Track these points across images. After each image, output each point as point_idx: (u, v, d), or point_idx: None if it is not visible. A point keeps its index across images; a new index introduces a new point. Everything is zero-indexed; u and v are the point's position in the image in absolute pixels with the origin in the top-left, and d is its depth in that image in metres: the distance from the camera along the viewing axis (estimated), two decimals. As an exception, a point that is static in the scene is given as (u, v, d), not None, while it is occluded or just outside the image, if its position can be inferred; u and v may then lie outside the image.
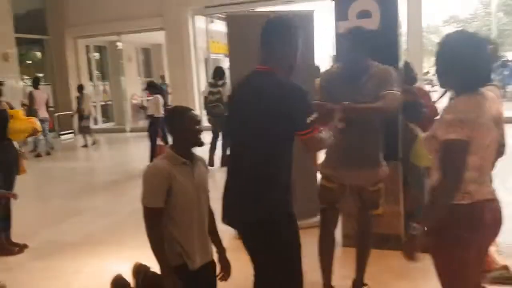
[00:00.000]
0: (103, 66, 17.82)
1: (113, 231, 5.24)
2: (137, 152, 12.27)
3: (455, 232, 2.01)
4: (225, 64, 22.15)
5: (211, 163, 8.10)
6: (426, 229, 2.03)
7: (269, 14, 4.60)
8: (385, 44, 3.81)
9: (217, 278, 2.70)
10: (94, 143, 12.83)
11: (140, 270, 3.10)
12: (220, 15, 16.69)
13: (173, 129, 2.60)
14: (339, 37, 3.79)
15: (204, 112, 9.00)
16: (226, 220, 2.48)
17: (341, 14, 3.89)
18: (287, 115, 2.21)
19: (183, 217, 2.51)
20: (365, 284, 3.32)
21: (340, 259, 3.80)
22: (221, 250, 2.72)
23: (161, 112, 8.96)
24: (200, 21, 14.53)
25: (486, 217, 2.04)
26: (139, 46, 18.31)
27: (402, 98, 3.97)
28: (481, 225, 2.04)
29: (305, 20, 4.49)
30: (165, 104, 9.21)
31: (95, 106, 16.75)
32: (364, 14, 3.80)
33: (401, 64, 4.11)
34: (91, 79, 16.84)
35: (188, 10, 13.98)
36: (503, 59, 19.35)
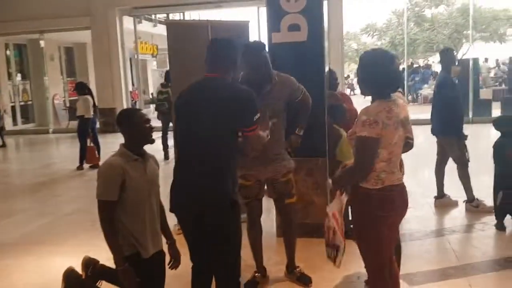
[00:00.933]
0: (23, 65, 17.03)
1: (49, 230, 5.24)
2: (63, 153, 11.98)
3: (371, 212, 2.48)
4: (152, 64, 21.90)
5: (166, 156, 8.99)
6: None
7: (207, 24, 4.95)
8: (312, 54, 4.29)
9: (168, 266, 2.95)
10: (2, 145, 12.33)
11: (89, 263, 3.30)
12: (148, 16, 16.65)
13: (125, 128, 2.82)
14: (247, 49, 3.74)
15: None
16: (179, 208, 2.74)
17: (274, 26, 4.29)
18: (238, 113, 2.60)
19: (136, 210, 2.75)
20: (297, 267, 3.71)
21: (274, 248, 4.20)
22: (172, 241, 2.98)
23: (90, 113, 8.88)
24: (128, 22, 14.42)
25: (395, 198, 2.51)
26: (61, 45, 17.69)
27: (328, 102, 4.49)
28: (391, 205, 2.50)
29: (241, 30, 4.85)
30: (94, 105, 9.13)
31: (13, 106, 16.02)
32: (294, 27, 4.23)
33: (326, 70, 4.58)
34: (10, 78, 16.05)
35: (116, 10, 13.85)
36: (414, 66, 21.04)
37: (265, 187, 3.60)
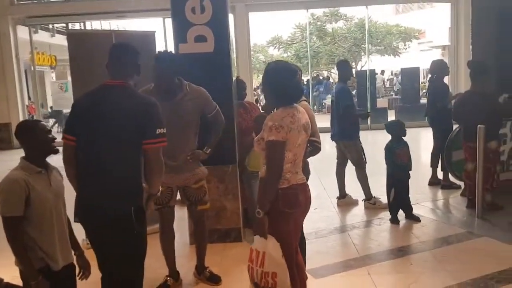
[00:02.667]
0: None
1: None
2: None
3: (279, 209, 2.67)
4: (50, 76, 20.72)
5: None
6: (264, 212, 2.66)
7: (110, 33, 4.91)
8: (220, 65, 4.44)
9: (78, 277, 2.90)
10: None
11: (-7, 283, 3.13)
12: (45, 26, 15.86)
13: (25, 140, 2.72)
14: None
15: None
16: (84, 219, 2.69)
17: (180, 37, 4.39)
18: (140, 123, 2.51)
19: (43, 223, 2.67)
20: (206, 267, 3.81)
21: (188, 255, 4.26)
22: (80, 252, 2.91)
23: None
24: (23, 31, 13.63)
25: (299, 196, 2.74)
26: None
27: (238, 112, 4.67)
28: (296, 203, 2.72)
29: (146, 40, 4.88)
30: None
31: None
32: (201, 39, 4.36)
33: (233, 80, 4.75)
34: None
35: (9, 19, 13.04)
36: (319, 78, 22.12)
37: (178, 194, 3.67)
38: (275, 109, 2.76)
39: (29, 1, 13.90)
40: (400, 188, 5.00)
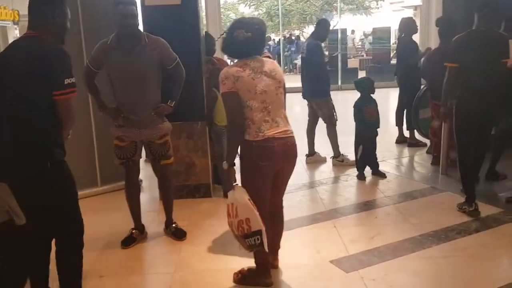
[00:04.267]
0: None
1: None
2: None
3: (252, 161, 2.69)
4: (14, 32, 19.90)
5: None
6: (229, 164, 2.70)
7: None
8: (188, 18, 4.34)
9: None
10: None
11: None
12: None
13: None
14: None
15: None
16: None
17: (147, -12, 4.24)
18: (45, 75, 2.29)
19: None
20: (174, 222, 3.83)
21: (158, 209, 4.27)
22: None
23: None
24: (-17, -16, 12.92)
25: (275, 149, 2.68)
26: None
27: (207, 67, 4.60)
28: (271, 156, 2.68)
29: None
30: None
31: None
32: (168, -10, 4.22)
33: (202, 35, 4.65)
34: None
35: (-32, -30, 12.32)
36: (291, 38, 21.93)
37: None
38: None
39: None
40: (367, 145, 5.09)
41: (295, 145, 2.84)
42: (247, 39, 2.69)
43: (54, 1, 2.44)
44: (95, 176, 4.88)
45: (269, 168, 2.73)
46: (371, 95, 5.12)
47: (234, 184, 2.74)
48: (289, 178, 2.96)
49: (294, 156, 2.85)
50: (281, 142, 2.72)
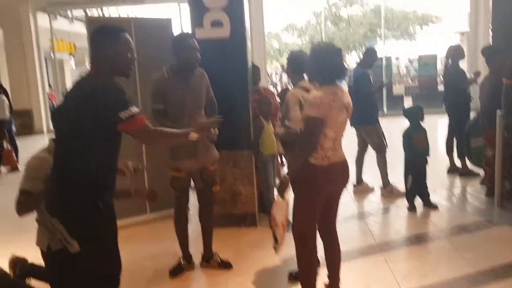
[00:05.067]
0: None
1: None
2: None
3: (315, 185, 2.77)
4: (70, 63, 20.88)
5: None
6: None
7: (129, 21, 4.92)
8: (236, 50, 4.43)
9: None
10: None
11: (16, 262, 3.23)
12: (64, 13, 15.97)
13: (53, 125, 2.82)
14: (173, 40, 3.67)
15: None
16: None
17: (197, 22, 4.37)
18: (95, 110, 2.27)
19: None
20: (213, 254, 3.80)
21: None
22: None
23: (6, 114, 8.44)
24: (43, 18, 13.74)
25: (338, 173, 2.83)
26: (-32, 43, 16.48)
27: (253, 97, 4.67)
28: (333, 179, 2.82)
29: (163, 27, 4.88)
30: (10, 106, 8.68)
31: None
32: (217, 23, 4.34)
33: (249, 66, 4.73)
34: None
35: (29, 6, 13.16)
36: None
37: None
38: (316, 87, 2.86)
39: (48, -12, 13.99)
40: (417, 174, 4.95)
41: (349, 167, 2.98)
42: (341, 64, 2.82)
43: (108, 39, 2.46)
44: (144, 203, 4.97)
45: (327, 191, 2.84)
46: (421, 122, 5.01)
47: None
48: (340, 197, 3.05)
49: (348, 177, 3.01)
50: (340, 166, 2.86)
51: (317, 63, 2.83)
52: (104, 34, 2.47)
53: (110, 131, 2.36)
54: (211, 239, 3.82)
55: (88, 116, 2.29)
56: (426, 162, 4.98)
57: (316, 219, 2.89)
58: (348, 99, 2.85)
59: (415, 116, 5.03)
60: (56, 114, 2.81)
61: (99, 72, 2.42)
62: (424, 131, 4.99)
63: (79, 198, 2.38)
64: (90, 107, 2.28)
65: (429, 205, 4.98)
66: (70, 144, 2.38)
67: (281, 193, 2.95)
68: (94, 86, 2.33)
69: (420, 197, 5.04)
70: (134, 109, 2.32)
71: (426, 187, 5.04)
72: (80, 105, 2.31)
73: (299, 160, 2.80)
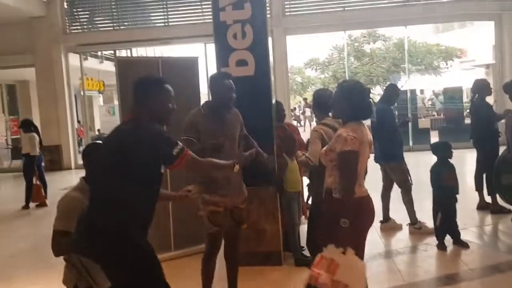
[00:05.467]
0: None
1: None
2: (6, 193, 11.46)
3: (346, 219, 2.69)
4: (98, 100, 21.51)
5: None
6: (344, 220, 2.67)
7: (157, 60, 5.08)
8: (260, 88, 4.50)
9: None
10: None
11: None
12: (94, 53, 16.56)
13: (87, 162, 2.91)
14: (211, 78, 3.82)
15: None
16: None
17: (222, 62, 4.48)
18: (147, 150, 2.44)
19: None
20: None
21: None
22: None
23: (37, 151, 8.67)
24: (74, 58, 14.28)
25: (365, 208, 2.83)
26: (3, 82, 17.19)
27: (277, 133, 4.70)
28: (362, 214, 2.80)
29: (190, 65, 5.01)
30: (40, 142, 8.92)
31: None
32: (242, 63, 4.44)
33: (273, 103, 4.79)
34: None
35: (62, 47, 13.72)
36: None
37: None
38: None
39: (80, 30, 14.57)
40: (447, 212, 4.83)
41: (373, 203, 2.95)
42: (369, 103, 2.90)
43: (152, 89, 2.61)
44: (169, 241, 4.97)
45: (360, 227, 2.78)
46: (449, 159, 4.93)
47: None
48: (366, 234, 2.99)
49: (374, 213, 2.97)
50: (367, 201, 2.87)
51: (345, 101, 2.88)
52: (148, 85, 2.64)
53: (157, 169, 2.54)
54: (236, 277, 3.76)
55: (137, 155, 2.42)
56: (455, 199, 4.87)
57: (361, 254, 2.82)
58: (369, 135, 2.91)
59: (443, 152, 4.96)
60: (92, 152, 2.91)
61: (140, 118, 2.56)
62: (453, 167, 4.90)
63: (120, 234, 2.45)
64: (140, 147, 2.43)
65: (460, 244, 4.83)
66: (114, 182, 2.47)
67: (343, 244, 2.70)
68: (143, 129, 2.49)
69: (450, 235, 4.90)
70: (181, 145, 2.54)
71: (456, 225, 4.90)
72: (129, 146, 2.45)
73: (348, 197, 2.73)
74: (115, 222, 2.46)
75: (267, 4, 4.72)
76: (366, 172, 3.03)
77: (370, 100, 2.98)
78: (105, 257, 2.50)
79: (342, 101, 2.90)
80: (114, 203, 2.48)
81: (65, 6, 13.93)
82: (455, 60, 23.86)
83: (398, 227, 5.64)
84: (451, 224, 4.87)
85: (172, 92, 2.68)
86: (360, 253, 2.81)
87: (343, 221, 2.68)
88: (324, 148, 2.96)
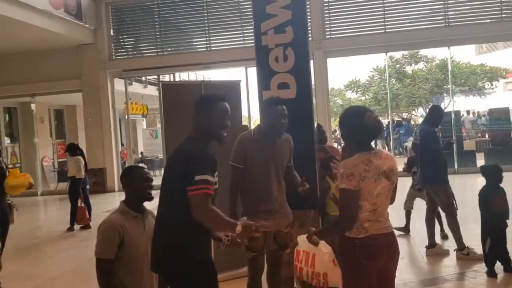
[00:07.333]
0: (13, 128, 17.15)
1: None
2: (52, 215, 11.86)
3: (355, 260, 2.56)
4: (142, 124, 22.04)
5: None
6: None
7: (200, 84, 5.20)
8: (302, 110, 4.49)
9: None
10: None
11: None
12: (138, 78, 17.09)
13: (125, 185, 2.95)
14: (263, 104, 4.15)
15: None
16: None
17: (264, 85, 4.52)
18: (181, 170, 2.49)
19: (134, 266, 2.81)
20: None
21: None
22: None
23: (82, 174, 8.93)
24: (119, 83, 14.78)
25: (379, 247, 2.57)
26: (52, 107, 17.96)
27: (319, 156, 4.67)
28: (375, 254, 2.56)
29: (232, 88, 5.10)
30: (85, 165, 9.21)
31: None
32: (284, 86, 4.46)
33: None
34: (-1, 140, 16.13)
35: (108, 73, 14.24)
36: (396, 120, 21.59)
37: None
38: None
39: (125, 56, 15.11)
40: (496, 237, 4.62)
41: (397, 240, 2.73)
42: (367, 126, 2.59)
43: (200, 106, 2.68)
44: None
45: (373, 266, 2.58)
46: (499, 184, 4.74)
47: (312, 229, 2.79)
48: (394, 276, 2.77)
49: (397, 252, 2.71)
50: (384, 239, 2.60)
51: (343, 130, 2.74)
52: (208, 102, 2.69)
53: (182, 192, 2.46)
54: None
55: (180, 173, 2.47)
56: (506, 224, 4.66)
57: None
58: (390, 164, 2.63)
59: (492, 175, 4.77)
60: (127, 175, 2.98)
61: (197, 136, 2.63)
62: (503, 191, 4.72)
63: (183, 251, 2.52)
64: (183, 165, 2.47)
65: (511, 271, 4.60)
66: (170, 200, 2.54)
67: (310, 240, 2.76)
68: (190, 148, 2.56)
69: (501, 262, 4.68)
70: (210, 178, 2.44)
71: (507, 251, 4.68)
72: (178, 163, 2.52)
73: (334, 232, 2.72)
74: (179, 240, 2.53)
75: (309, 27, 4.75)
76: (393, 201, 2.82)
77: (372, 121, 2.64)
78: (176, 275, 2.54)
79: (341, 133, 2.77)
80: (172, 221, 2.55)
81: (112, 34, 14.52)
82: (500, 81, 23.17)
83: (445, 253, 5.44)
84: (502, 250, 4.66)
85: (228, 109, 2.70)
86: None
87: (314, 236, 2.69)
88: (336, 183, 2.76)
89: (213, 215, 2.45)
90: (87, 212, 8.90)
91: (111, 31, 14.50)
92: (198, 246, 2.56)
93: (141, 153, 18.63)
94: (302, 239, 2.76)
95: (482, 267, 4.76)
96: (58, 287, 5.29)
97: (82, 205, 8.92)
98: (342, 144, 3.01)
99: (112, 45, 14.58)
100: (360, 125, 2.59)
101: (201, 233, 2.54)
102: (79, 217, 8.80)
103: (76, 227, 8.76)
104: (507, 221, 4.68)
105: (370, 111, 2.70)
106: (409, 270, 4.90)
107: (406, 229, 6.33)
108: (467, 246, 5.23)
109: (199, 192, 2.40)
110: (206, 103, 2.69)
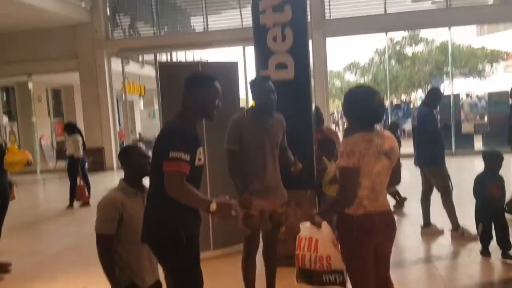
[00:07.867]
0: (11, 107, 17.12)
1: (42, 268, 5.23)
2: (51, 193, 11.92)
3: (353, 236, 2.61)
4: (139, 104, 21.95)
5: None
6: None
7: (197, 64, 5.17)
8: (300, 91, 4.49)
9: None
10: None
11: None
12: (135, 57, 17.00)
13: (124, 163, 2.98)
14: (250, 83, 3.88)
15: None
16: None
17: (262, 64, 4.51)
18: (160, 145, 2.54)
19: (133, 242, 2.84)
20: None
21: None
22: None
23: (80, 153, 8.95)
24: (116, 63, 14.71)
25: (377, 224, 2.63)
26: (49, 87, 17.88)
27: (316, 137, 4.69)
28: (372, 231, 2.61)
29: (230, 70, 5.07)
30: (83, 144, 9.22)
31: (0, 148, 15.93)
32: (282, 66, 4.45)
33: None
34: (-4, 119, 16.10)
35: (104, 52, 14.16)
36: (399, 104, 21.57)
37: None
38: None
39: (122, 36, 14.99)
40: (488, 223, 4.57)
41: (394, 218, 2.78)
42: (375, 108, 2.61)
43: (190, 85, 2.69)
44: (208, 241, 5.03)
45: (370, 243, 2.64)
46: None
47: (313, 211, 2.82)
48: (390, 253, 2.83)
49: (394, 230, 2.77)
50: (381, 216, 2.66)
51: (348, 109, 2.71)
52: (198, 81, 2.71)
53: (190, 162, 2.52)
54: (274, 278, 3.78)
55: (160, 149, 2.50)
56: (503, 211, 4.64)
57: (368, 272, 2.66)
58: (391, 144, 2.65)
59: (492, 162, 4.67)
60: (125, 154, 3.03)
61: (186, 114, 2.65)
62: (501, 178, 4.64)
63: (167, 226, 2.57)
64: (163, 142, 2.53)
65: (508, 257, 4.49)
66: (156, 176, 2.56)
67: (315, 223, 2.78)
68: (173, 125, 2.60)
69: (500, 247, 4.57)
70: (185, 157, 2.45)
71: (507, 238, 4.55)
72: (160, 140, 2.57)
73: (335, 210, 2.74)
74: (163, 215, 2.58)
75: (307, 7, 4.71)
76: (399, 181, 2.83)
77: (379, 103, 2.66)
78: (160, 245, 2.61)
79: (346, 111, 2.74)
80: (157, 196, 2.58)
81: (108, 13, 14.38)
82: (501, 63, 23.12)
83: (440, 232, 5.50)
84: (502, 237, 4.55)
85: (218, 89, 2.72)
86: (369, 269, 2.65)
87: (316, 216, 2.72)
88: (336, 162, 2.73)
89: (185, 192, 2.46)
90: (86, 190, 8.96)
91: (107, 10, 14.36)
92: (183, 221, 2.59)
93: (139, 133, 18.64)
94: (304, 226, 2.77)
95: (476, 246, 4.81)
96: (58, 264, 5.34)
97: (81, 183, 8.97)
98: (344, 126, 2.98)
99: (109, 24, 14.46)
100: (367, 106, 2.60)
101: (185, 208, 2.55)
102: (78, 195, 8.86)
103: (76, 205, 8.82)
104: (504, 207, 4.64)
105: (377, 92, 2.72)
106: (404, 249, 4.96)
107: (400, 204, 6.47)
108: (462, 226, 5.29)
109: (172, 169, 2.44)
110: (195, 82, 2.70)
